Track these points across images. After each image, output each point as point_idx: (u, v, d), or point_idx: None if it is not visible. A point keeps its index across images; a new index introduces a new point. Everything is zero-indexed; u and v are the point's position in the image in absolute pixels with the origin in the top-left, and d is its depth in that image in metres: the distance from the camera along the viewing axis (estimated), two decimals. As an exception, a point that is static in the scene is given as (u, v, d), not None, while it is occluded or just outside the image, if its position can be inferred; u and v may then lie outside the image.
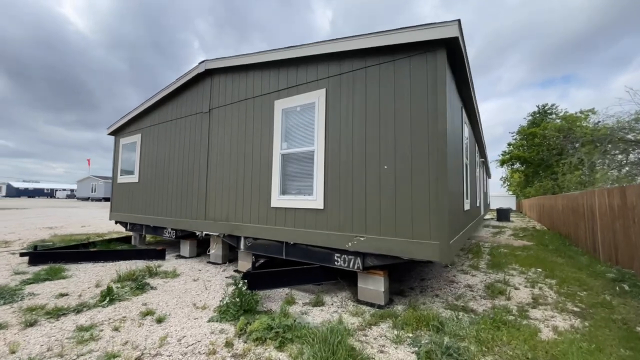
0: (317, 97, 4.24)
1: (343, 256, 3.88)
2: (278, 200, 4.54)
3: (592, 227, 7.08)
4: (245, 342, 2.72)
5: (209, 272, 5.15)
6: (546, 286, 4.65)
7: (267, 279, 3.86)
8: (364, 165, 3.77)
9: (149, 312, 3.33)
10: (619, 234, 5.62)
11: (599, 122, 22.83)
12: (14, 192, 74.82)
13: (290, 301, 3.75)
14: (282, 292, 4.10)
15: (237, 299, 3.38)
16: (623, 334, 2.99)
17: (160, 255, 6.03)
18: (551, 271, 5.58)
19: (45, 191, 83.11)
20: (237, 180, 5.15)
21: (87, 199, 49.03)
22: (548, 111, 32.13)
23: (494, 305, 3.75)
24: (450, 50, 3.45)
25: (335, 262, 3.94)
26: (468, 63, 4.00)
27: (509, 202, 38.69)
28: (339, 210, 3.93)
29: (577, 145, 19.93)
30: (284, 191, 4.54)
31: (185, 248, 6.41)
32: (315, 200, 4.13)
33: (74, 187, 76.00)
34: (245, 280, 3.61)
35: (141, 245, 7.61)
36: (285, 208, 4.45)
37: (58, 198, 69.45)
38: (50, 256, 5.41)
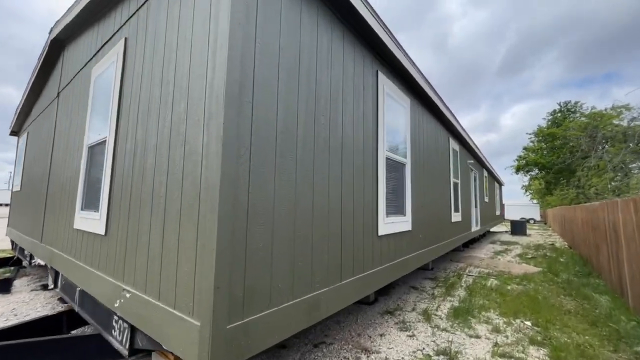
0: (115, 54, 2.64)
1: (119, 322, 2.18)
2: (79, 217, 2.93)
3: (617, 253, 4.91)
4: None
5: (21, 317, 3.60)
6: (520, 368, 2.70)
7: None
8: (144, 157, 2.10)
9: None
10: (656, 272, 3.53)
11: (635, 118, 19.64)
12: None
13: (18, 403, 2.09)
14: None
15: None
16: None
17: (3, 288, 4.57)
18: (545, 327, 3.57)
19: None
20: (62, 188, 3.61)
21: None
22: (571, 109, 28.41)
23: None
24: None
25: (113, 331, 2.24)
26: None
27: (532, 212, 34.94)
28: (117, 237, 2.25)
29: (606, 146, 16.90)
30: (87, 204, 2.92)
31: (51, 276, 4.92)
32: (99, 219, 2.49)
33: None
34: None
35: (31, 269, 6.23)
36: (83, 231, 2.83)
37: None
38: None
